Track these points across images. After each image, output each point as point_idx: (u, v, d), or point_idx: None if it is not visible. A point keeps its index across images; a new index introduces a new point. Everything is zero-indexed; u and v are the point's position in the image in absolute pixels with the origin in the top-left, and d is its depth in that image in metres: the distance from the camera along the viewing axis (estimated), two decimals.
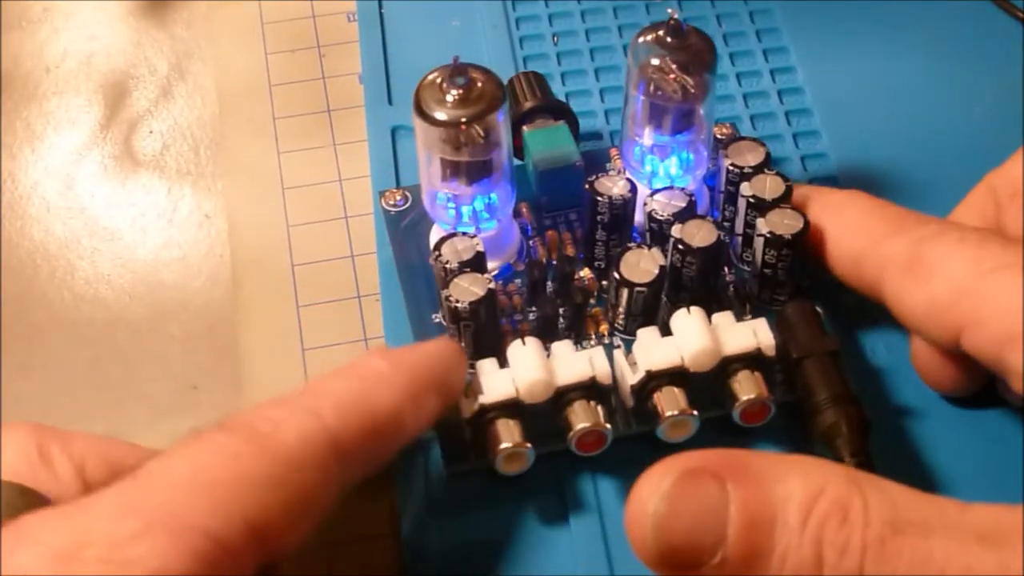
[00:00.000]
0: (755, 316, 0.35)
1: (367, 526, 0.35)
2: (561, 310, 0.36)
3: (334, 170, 0.44)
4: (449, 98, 0.34)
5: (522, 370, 0.33)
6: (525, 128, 0.40)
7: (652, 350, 0.33)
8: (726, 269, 0.37)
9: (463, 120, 0.34)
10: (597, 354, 0.34)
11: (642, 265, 0.35)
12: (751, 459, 0.26)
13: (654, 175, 0.38)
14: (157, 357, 0.40)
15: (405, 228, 0.39)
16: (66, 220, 0.44)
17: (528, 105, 0.40)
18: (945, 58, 0.40)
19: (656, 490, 0.26)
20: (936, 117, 0.43)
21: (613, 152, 0.41)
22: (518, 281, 0.38)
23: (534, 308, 0.37)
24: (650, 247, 0.35)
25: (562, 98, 0.45)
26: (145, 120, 0.47)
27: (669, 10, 0.36)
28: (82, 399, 0.39)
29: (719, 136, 0.41)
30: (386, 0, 0.48)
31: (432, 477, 0.35)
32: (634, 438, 0.34)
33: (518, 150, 0.40)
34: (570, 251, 0.38)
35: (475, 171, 0.36)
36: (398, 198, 0.40)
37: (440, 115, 0.34)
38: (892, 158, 0.42)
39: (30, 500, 0.28)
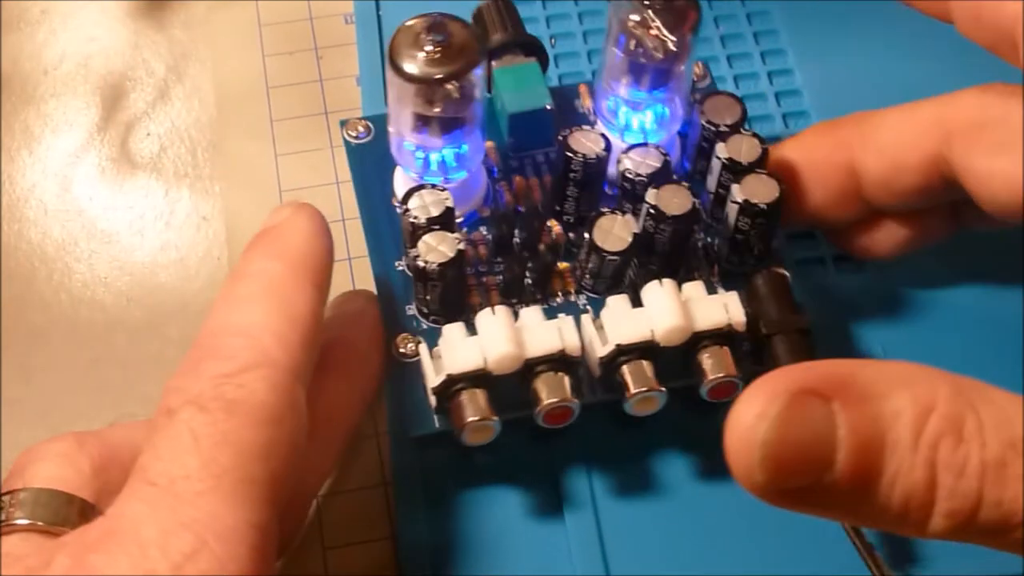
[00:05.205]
0: (723, 278, 0.35)
1: (365, 525, 0.35)
2: (529, 265, 0.35)
3: (331, 173, 0.43)
4: (423, 55, 0.33)
5: (491, 342, 0.32)
6: (494, 64, 0.38)
7: (623, 323, 0.33)
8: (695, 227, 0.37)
9: (438, 77, 0.33)
10: (567, 325, 0.33)
11: (615, 232, 0.34)
12: (855, 372, 0.24)
13: (627, 128, 0.37)
14: (155, 359, 0.40)
15: (370, 163, 0.38)
16: (64, 222, 0.43)
17: (497, 38, 0.39)
18: (944, 60, 0.40)
19: (764, 416, 0.23)
20: None
21: (583, 88, 0.40)
22: (483, 229, 0.37)
23: (500, 259, 0.36)
24: (624, 213, 0.34)
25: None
26: (142, 122, 0.46)
27: None
28: (81, 401, 0.39)
29: (694, 79, 0.40)
30: (383, 2, 0.46)
31: (428, 475, 0.35)
32: (600, 405, 0.34)
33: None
34: (537, 196, 0.38)
35: (448, 124, 0.34)
36: (360, 130, 0.39)
37: (414, 71, 0.33)
38: None
39: (78, 508, 0.28)
